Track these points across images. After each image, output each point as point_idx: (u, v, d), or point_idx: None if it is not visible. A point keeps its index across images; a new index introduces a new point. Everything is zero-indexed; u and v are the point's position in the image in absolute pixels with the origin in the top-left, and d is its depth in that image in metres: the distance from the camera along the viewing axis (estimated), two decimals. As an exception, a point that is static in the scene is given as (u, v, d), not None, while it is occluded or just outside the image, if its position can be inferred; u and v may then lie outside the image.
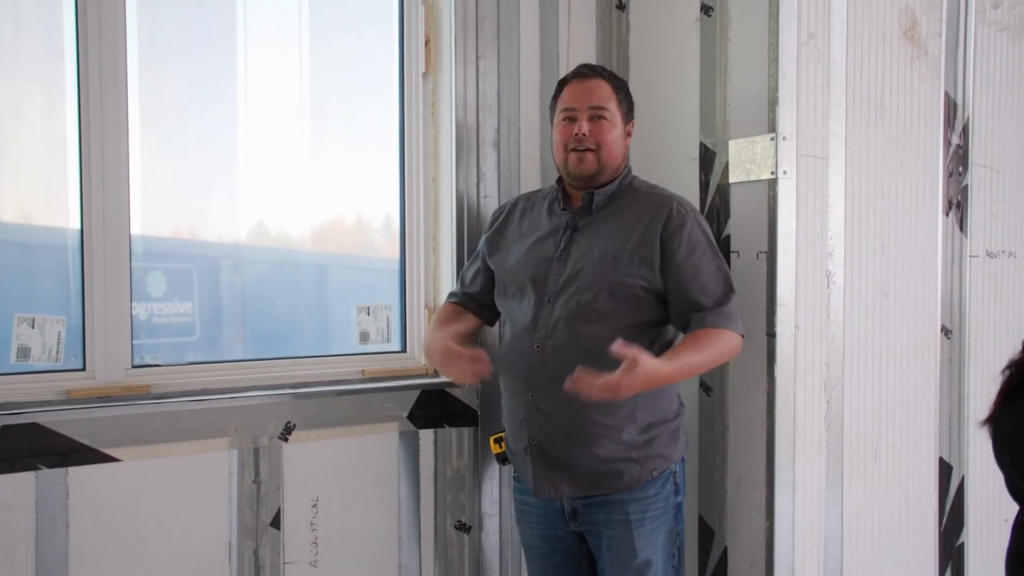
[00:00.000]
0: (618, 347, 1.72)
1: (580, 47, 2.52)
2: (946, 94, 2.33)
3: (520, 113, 2.44)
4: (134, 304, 2.18)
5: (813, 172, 2.12)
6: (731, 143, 2.20)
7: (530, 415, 1.98)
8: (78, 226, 2.11)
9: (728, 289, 1.96)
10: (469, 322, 2.16)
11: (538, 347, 1.96)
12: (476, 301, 2.18)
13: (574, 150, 1.99)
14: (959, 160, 2.38)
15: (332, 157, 2.52)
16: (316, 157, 2.49)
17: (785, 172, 2.08)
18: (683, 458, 2.05)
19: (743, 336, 1.96)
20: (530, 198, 2.18)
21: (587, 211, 2.02)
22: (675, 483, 2.01)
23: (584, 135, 1.98)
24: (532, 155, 2.47)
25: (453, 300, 2.21)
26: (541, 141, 2.48)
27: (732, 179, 2.20)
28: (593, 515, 1.98)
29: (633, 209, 2.00)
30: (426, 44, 2.44)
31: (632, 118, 2.09)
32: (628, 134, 2.07)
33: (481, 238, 2.21)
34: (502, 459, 2.10)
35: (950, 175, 2.36)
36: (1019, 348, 1.16)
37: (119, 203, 2.12)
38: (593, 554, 2.04)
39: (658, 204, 2.00)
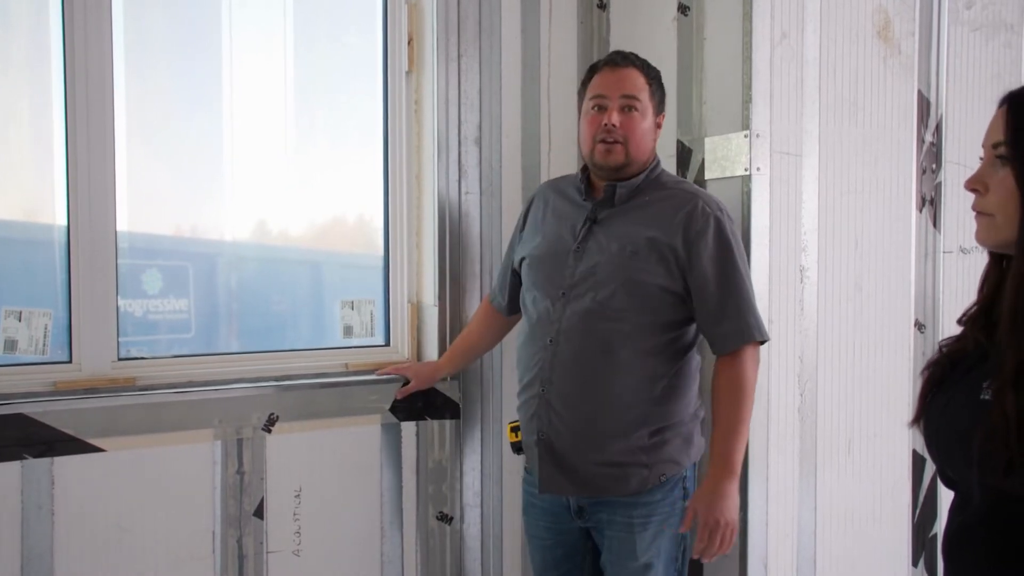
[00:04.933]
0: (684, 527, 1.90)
1: (561, 46, 2.55)
2: (919, 92, 2.37)
3: (502, 111, 2.47)
4: (130, 301, 2.22)
5: (787, 169, 2.16)
6: (707, 140, 2.24)
7: (540, 410, 1.95)
8: (65, 222, 2.14)
9: (745, 300, 1.90)
10: (488, 326, 2.31)
11: (551, 341, 1.93)
12: (511, 302, 2.21)
13: (602, 141, 1.92)
14: (932, 157, 2.42)
15: (318, 155, 2.55)
16: (301, 155, 2.52)
17: (759, 169, 2.12)
18: (695, 463, 1.99)
19: (762, 341, 1.91)
20: (555, 186, 2.13)
21: (609, 203, 1.96)
22: (684, 488, 1.95)
23: (614, 126, 1.91)
24: (513, 152, 2.50)
25: (490, 300, 2.30)
26: (523, 138, 2.51)
27: (708, 176, 2.24)
28: (598, 513, 1.96)
29: (657, 204, 1.93)
30: (409, 43, 2.47)
31: (663, 110, 2.01)
32: (659, 126, 2.00)
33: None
34: (517, 448, 2.05)
35: (923, 172, 2.40)
36: (936, 350, 1.22)
37: (105, 200, 2.15)
38: (598, 548, 2.02)
39: (683, 200, 1.92)
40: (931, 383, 1.19)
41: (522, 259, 2.09)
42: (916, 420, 1.20)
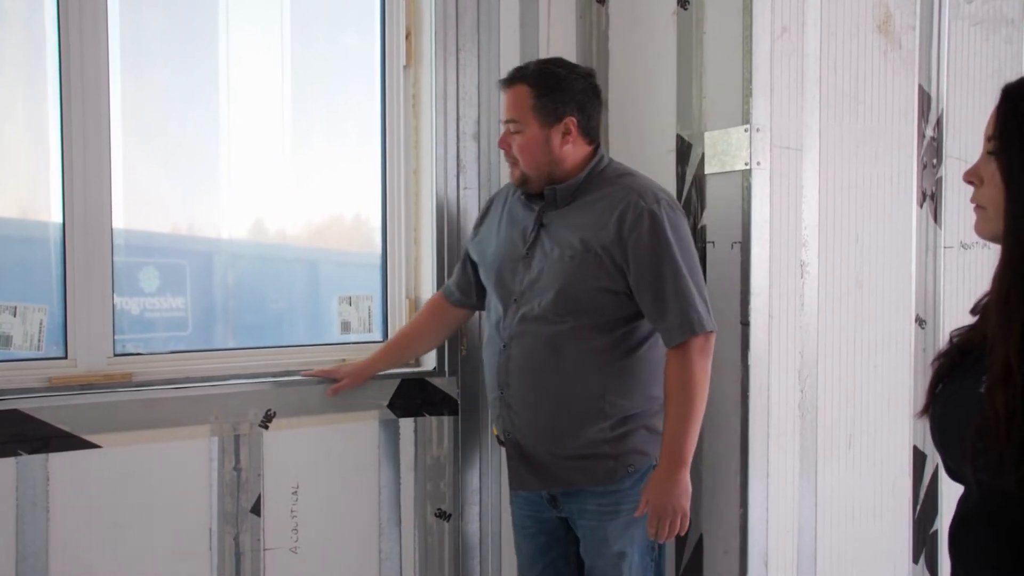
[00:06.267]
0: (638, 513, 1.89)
1: (560, 40, 2.54)
2: (920, 87, 2.36)
3: (500, 106, 2.45)
4: (126, 299, 2.21)
5: (787, 163, 2.15)
6: (707, 135, 2.23)
7: (503, 411, 2.03)
8: (60, 219, 2.12)
9: (685, 293, 1.87)
10: (430, 319, 2.29)
11: (504, 346, 2.01)
12: (460, 290, 2.23)
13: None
14: (933, 152, 2.40)
15: (315, 152, 2.54)
16: (299, 152, 2.51)
17: (759, 163, 2.11)
18: None
19: (711, 332, 1.89)
20: (511, 188, 2.14)
21: (553, 205, 1.99)
22: None
23: (504, 149, 2.01)
24: (512, 147, 2.48)
25: (442, 290, 2.30)
26: (521, 134, 2.50)
27: (708, 170, 2.23)
28: (570, 504, 2.01)
29: (598, 203, 1.95)
30: (407, 37, 2.46)
31: (569, 113, 1.95)
32: (567, 132, 1.95)
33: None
34: (502, 443, 2.09)
35: (924, 167, 2.39)
36: (946, 340, 1.21)
37: (100, 197, 2.13)
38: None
39: (619, 197, 1.92)
40: (940, 373, 1.19)
41: (476, 263, 2.14)
42: (924, 411, 1.19)
